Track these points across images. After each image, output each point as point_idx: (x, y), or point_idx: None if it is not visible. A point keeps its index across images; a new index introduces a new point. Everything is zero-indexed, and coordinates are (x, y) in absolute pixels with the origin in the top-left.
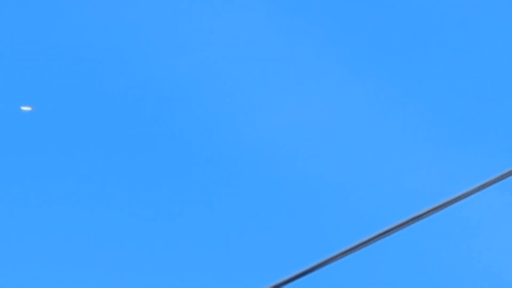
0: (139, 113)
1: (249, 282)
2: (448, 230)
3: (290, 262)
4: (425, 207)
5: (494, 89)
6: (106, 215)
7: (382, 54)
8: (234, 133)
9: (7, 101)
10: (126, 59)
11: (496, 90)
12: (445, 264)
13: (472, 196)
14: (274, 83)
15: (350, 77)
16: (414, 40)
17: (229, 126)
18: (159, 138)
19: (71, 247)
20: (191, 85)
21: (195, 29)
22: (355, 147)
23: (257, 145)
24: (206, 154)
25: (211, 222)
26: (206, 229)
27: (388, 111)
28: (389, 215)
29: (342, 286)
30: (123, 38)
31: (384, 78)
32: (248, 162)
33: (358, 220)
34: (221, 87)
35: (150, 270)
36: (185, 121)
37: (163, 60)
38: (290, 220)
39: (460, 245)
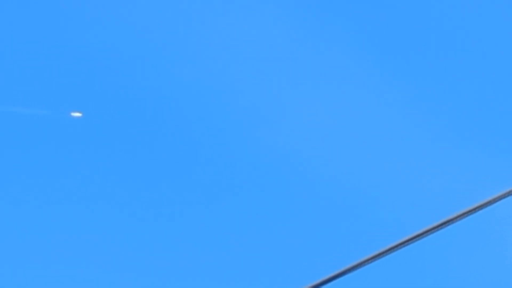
0: (152, 115)
1: (288, 281)
2: (479, 235)
3: (329, 263)
4: (457, 211)
5: None
6: (115, 215)
7: (404, 56)
8: (251, 135)
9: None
10: (141, 63)
11: None
12: (476, 269)
13: (503, 200)
14: (290, 86)
15: (372, 79)
16: (437, 42)
17: (245, 128)
18: (174, 140)
19: (71, 247)
20: (206, 87)
21: (210, 32)
22: (383, 150)
23: (281, 147)
24: (226, 157)
25: (246, 223)
26: (243, 229)
27: (416, 114)
28: (421, 218)
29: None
30: (138, 41)
31: (408, 81)
32: (275, 164)
33: (393, 223)
34: (236, 89)
35: (172, 271)
36: (200, 123)
37: (179, 63)
38: (330, 222)
39: (492, 249)
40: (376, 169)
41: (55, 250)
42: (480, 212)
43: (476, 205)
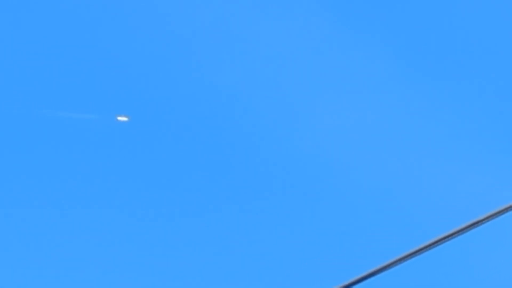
0: (196, 116)
1: (320, 281)
2: (505, 237)
3: (359, 263)
4: (486, 213)
5: None
6: (158, 216)
7: (430, 59)
8: (291, 137)
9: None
10: (183, 69)
11: None
12: (501, 272)
13: None
14: (314, 88)
15: (407, 83)
16: (464, 45)
17: (286, 130)
18: (214, 144)
19: (77, 247)
20: (247, 88)
21: (252, 34)
22: (415, 152)
23: (313, 149)
24: (268, 158)
25: (280, 223)
26: (276, 229)
27: (445, 116)
28: (450, 220)
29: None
30: (181, 49)
31: (440, 84)
32: (309, 165)
33: (422, 224)
34: (278, 92)
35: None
36: (241, 124)
37: (221, 64)
38: (359, 223)
39: None
40: (403, 171)
41: (107, 251)
42: (506, 215)
43: (501, 208)
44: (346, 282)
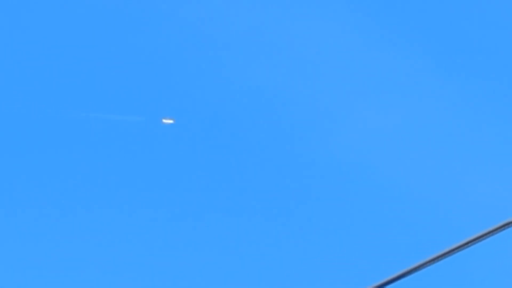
0: (239, 122)
1: (353, 281)
2: None
3: (392, 264)
4: None
5: None
6: (204, 217)
7: (470, 60)
8: (319, 138)
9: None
10: (230, 74)
11: None
12: None
13: None
14: (358, 90)
15: (435, 84)
16: (505, 47)
17: (313, 131)
18: (259, 145)
19: (84, 248)
20: (275, 90)
21: (281, 34)
22: (443, 154)
23: (343, 151)
24: (295, 159)
25: (315, 224)
26: (313, 230)
27: (475, 118)
28: (479, 222)
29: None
30: (227, 54)
31: (468, 86)
32: (338, 167)
33: (453, 225)
34: (305, 93)
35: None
36: (269, 125)
37: (247, 65)
38: (392, 224)
39: None
40: (437, 172)
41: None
42: None
43: None
44: (378, 283)
